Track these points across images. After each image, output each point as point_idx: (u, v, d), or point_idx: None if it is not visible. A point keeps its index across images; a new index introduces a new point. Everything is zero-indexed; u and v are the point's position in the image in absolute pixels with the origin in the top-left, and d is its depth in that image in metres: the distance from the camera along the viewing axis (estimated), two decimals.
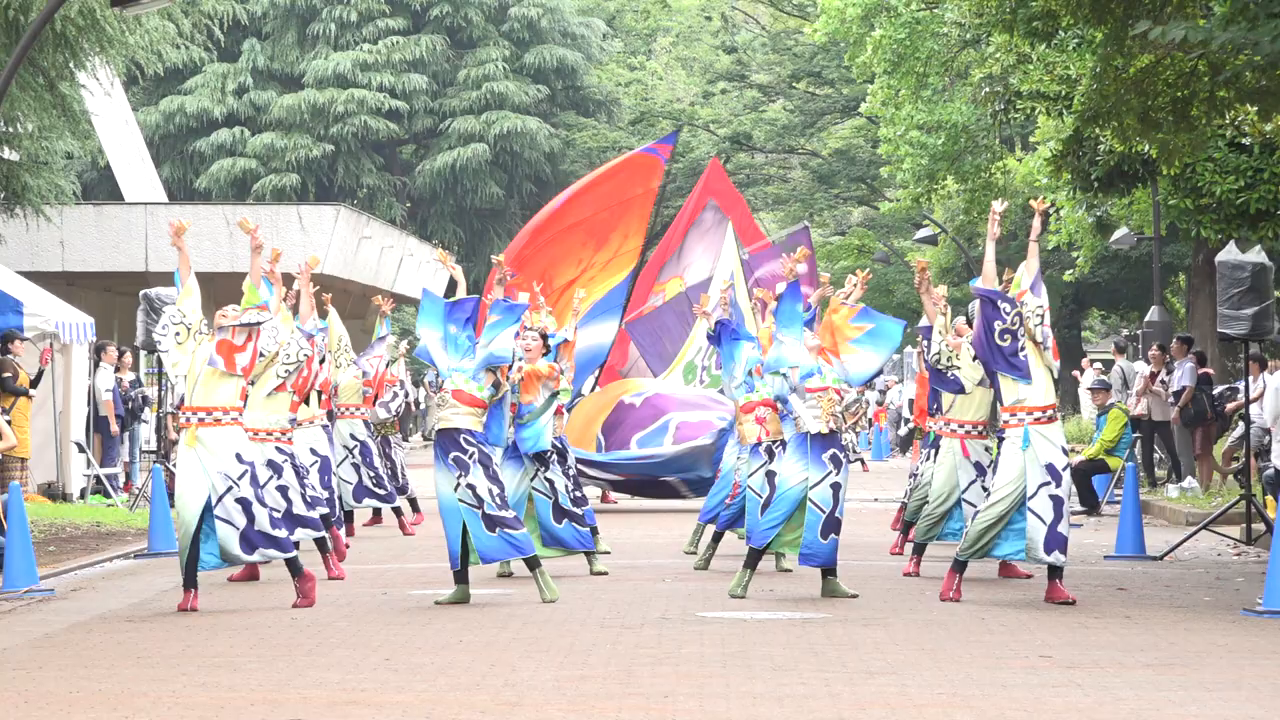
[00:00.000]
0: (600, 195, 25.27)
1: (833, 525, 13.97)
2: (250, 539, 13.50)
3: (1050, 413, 13.80)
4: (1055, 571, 13.81)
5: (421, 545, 18.97)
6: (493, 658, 10.94)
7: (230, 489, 13.48)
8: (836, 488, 13.99)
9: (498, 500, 13.79)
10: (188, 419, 13.62)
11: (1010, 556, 14.08)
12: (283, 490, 14.90)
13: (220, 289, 36.70)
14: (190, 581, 13.53)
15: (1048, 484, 13.68)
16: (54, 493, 23.81)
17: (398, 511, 20.24)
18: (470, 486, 13.75)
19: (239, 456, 13.55)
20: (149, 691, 9.87)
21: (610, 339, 25.19)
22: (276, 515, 14.04)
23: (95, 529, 20.03)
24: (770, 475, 14.97)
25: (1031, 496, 13.69)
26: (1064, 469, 13.80)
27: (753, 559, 14.14)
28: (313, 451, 16.80)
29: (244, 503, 13.50)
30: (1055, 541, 13.63)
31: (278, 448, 15.09)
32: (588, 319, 22.95)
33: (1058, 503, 13.70)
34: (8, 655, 11.35)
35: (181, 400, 14.08)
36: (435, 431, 14.13)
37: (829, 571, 14.08)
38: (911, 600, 14.02)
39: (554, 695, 9.63)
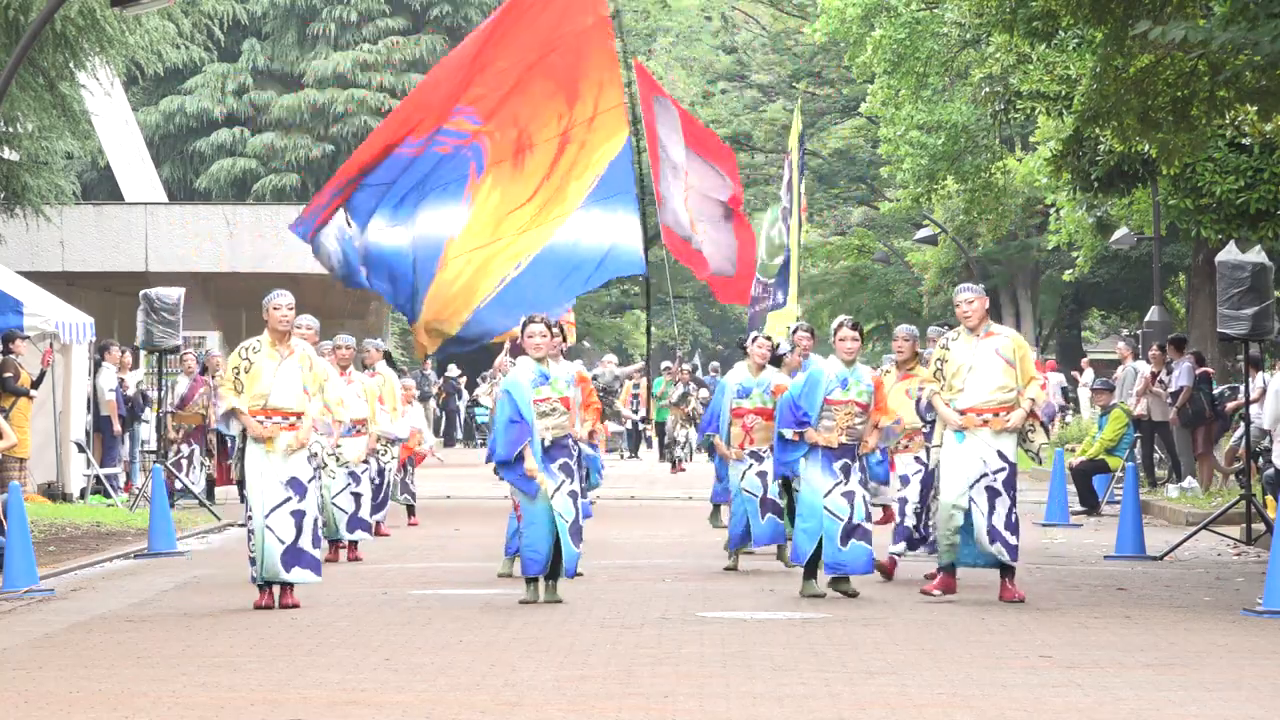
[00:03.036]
0: (540, 31, 19.51)
1: (853, 532, 13.96)
2: (294, 554, 13.47)
3: (986, 417, 13.89)
4: (1004, 570, 13.94)
5: (421, 545, 18.97)
6: (493, 658, 10.95)
7: (287, 500, 13.46)
8: (850, 496, 14.00)
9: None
10: (262, 421, 13.62)
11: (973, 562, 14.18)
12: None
13: (220, 289, 36.75)
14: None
15: (984, 476, 13.87)
16: (54, 493, 23.81)
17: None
18: (572, 494, 13.74)
19: (310, 460, 13.61)
20: (149, 691, 9.87)
21: (638, 237, 20.05)
22: (319, 531, 13.95)
23: (95, 529, 20.02)
24: (762, 475, 15.72)
25: (970, 487, 13.90)
26: (998, 469, 13.86)
27: (810, 569, 14.14)
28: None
29: (297, 515, 13.49)
30: (994, 535, 13.80)
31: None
32: (595, 199, 19.32)
33: (992, 494, 13.84)
34: (8, 655, 11.35)
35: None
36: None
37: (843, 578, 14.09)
38: (911, 600, 14.03)
39: (554, 695, 9.63)
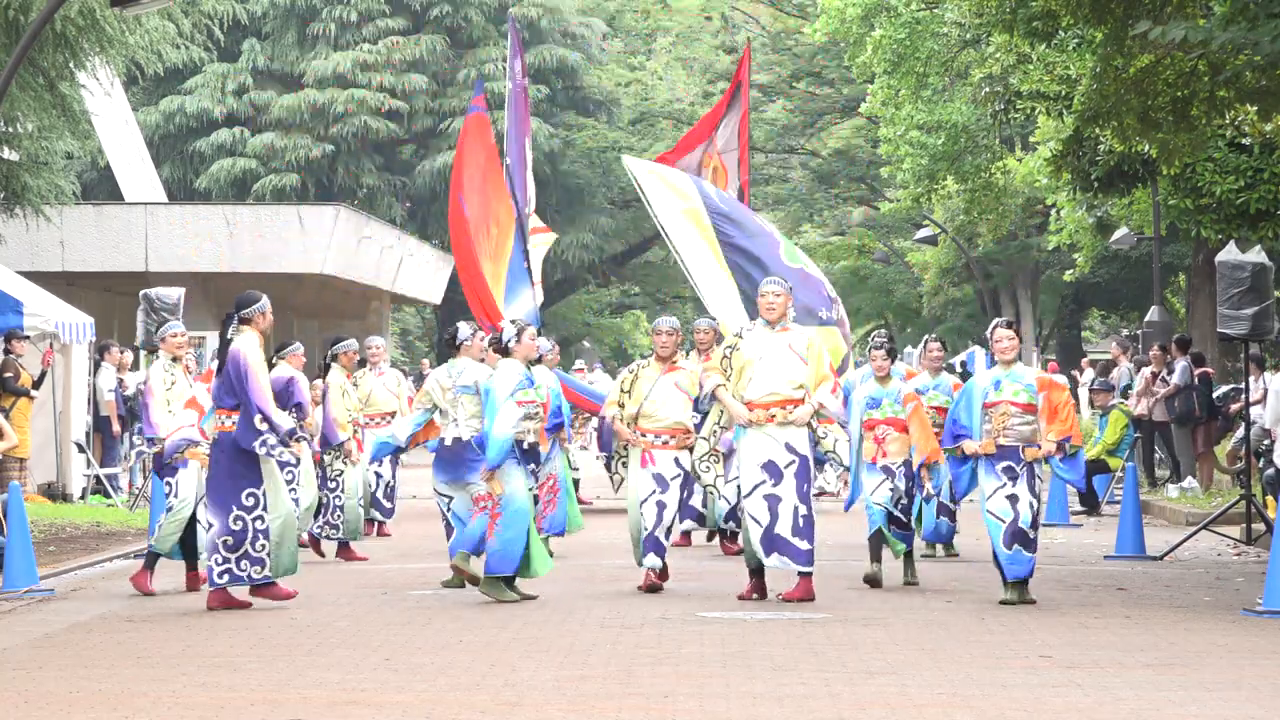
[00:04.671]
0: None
1: (1017, 536, 13.69)
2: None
3: (773, 411, 13.77)
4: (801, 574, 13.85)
5: (422, 546, 18.96)
6: (493, 658, 10.95)
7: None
8: (1014, 499, 13.73)
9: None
10: None
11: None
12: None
13: (220, 289, 36.74)
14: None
15: (763, 483, 13.76)
16: (54, 493, 23.81)
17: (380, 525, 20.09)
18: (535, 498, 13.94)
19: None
20: (149, 691, 9.88)
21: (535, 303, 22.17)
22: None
23: (95, 529, 20.03)
24: (895, 491, 15.05)
25: (746, 496, 13.83)
26: (789, 463, 13.72)
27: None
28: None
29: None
30: (772, 545, 13.69)
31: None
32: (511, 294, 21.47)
33: (773, 501, 13.71)
34: (8, 655, 11.35)
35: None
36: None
37: (1020, 581, 13.82)
38: (911, 600, 14.03)
39: (554, 695, 9.63)
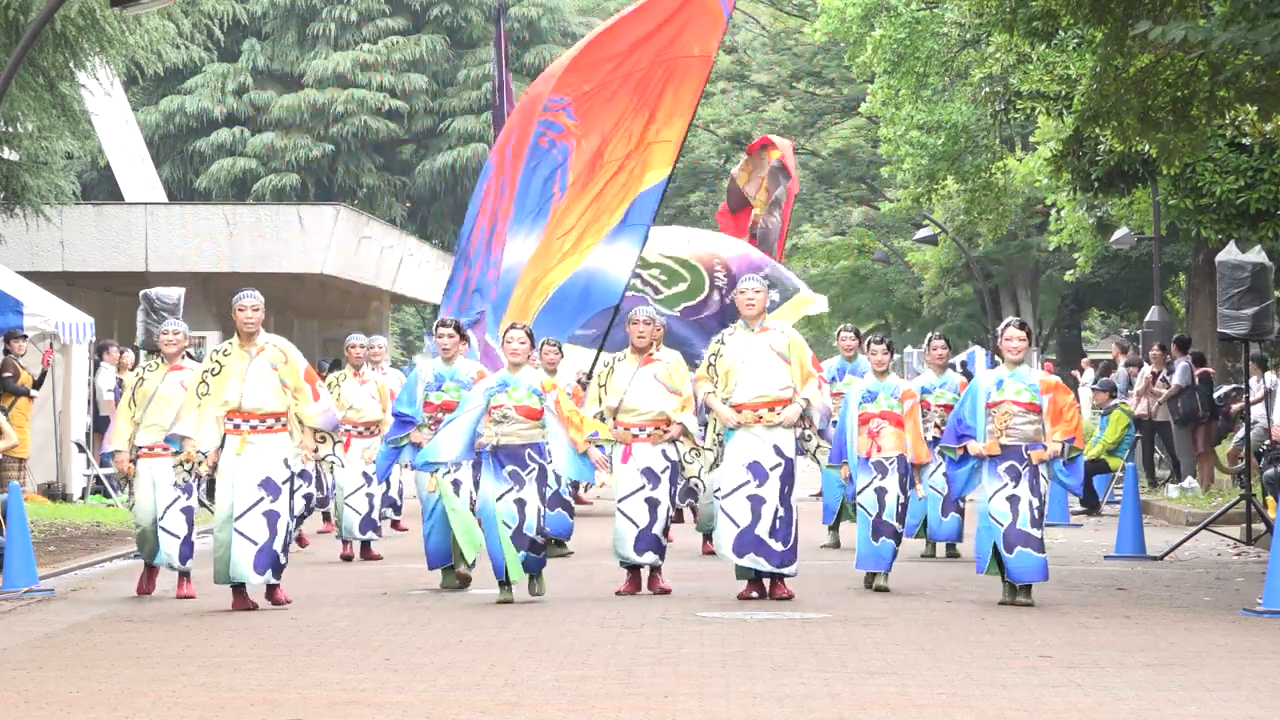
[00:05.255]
0: (658, 42, 19.74)
1: (1018, 538, 13.52)
2: (267, 555, 13.49)
3: (761, 413, 13.78)
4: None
5: (422, 546, 18.94)
6: (493, 658, 10.95)
7: (259, 501, 13.46)
8: (1014, 500, 13.57)
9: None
10: (238, 425, 13.56)
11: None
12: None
13: (220, 289, 36.77)
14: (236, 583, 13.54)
15: (747, 483, 13.72)
16: (54, 493, 23.82)
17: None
18: (518, 503, 13.69)
19: (286, 462, 13.61)
20: (149, 691, 9.87)
21: (629, 268, 19.98)
22: (292, 531, 14.08)
23: (95, 529, 20.03)
24: (881, 493, 14.66)
25: (728, 496, 13.82)
26: (774, 465, 13.73)
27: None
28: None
29: (270, 516, 13.50)
30: (747, 545, 13.70)
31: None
32: (613, 234, 19.67)
33: (756, 502, 13.71)
34: (8, 655, 11.35)
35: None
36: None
37: (1023, 587, 13.70)
38: (911, 600, 14.03)
39: (554, 695, 9.63)
